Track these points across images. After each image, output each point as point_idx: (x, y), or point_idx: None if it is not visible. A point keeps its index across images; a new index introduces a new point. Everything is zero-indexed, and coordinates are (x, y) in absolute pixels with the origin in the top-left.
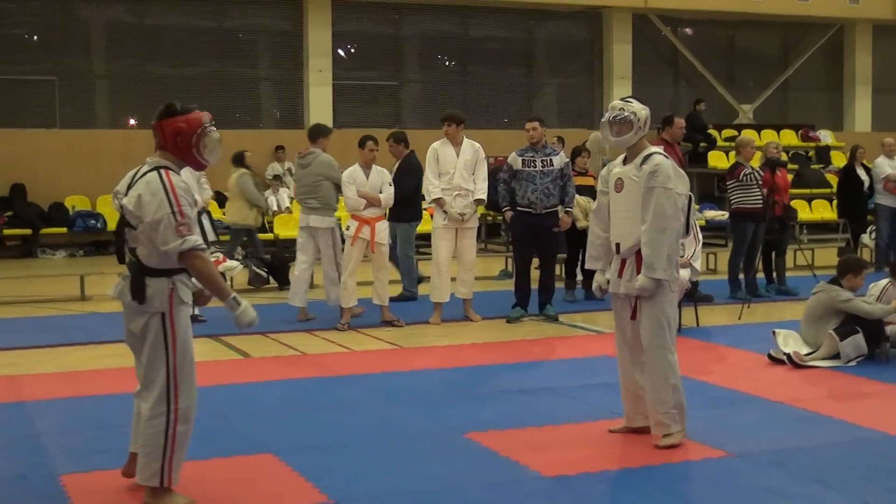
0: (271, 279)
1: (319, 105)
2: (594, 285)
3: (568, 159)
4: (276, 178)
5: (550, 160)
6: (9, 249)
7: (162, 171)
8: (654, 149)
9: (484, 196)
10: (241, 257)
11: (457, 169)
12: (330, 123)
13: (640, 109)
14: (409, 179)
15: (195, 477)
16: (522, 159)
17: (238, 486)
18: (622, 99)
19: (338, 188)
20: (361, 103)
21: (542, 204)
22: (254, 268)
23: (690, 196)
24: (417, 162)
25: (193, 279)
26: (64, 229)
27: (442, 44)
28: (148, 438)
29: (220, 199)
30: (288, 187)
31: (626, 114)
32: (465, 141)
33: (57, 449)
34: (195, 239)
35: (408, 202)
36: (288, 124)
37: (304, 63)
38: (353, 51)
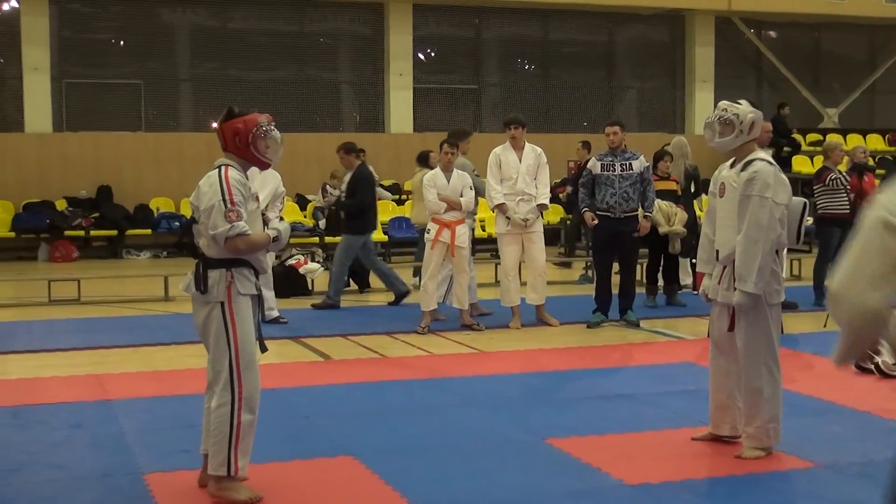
0: (351, 282)
1: (400, 109)
2: (700, 290)
3: (648, 164)
4: None
5: (630, 164)
6: (95, 250)
7: (222, 168)
8: (760, 154)
9: (547, 201)
10: (321, 260)
11: (519, 174)
12: (410, 127)
13: (747, 112)
14: (362, 191)
15: (277, 478)
16: (602, 164)
17: (318, 487)
18: (735, 102)
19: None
20: (442, 107)
21: (622, 208)
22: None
23: (805, 203)
24: (370, 172)
25: (259, 273)
26: (148, 231)
27: (522, 47)
28: (216, 427)
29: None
30: None
31: (728, 115)
32: (528, 145)
33: (141, 447)
34: (243, 225)
35: (361, 214)
36: (368, 128)
37: (385, 67)
38: (433, 54)
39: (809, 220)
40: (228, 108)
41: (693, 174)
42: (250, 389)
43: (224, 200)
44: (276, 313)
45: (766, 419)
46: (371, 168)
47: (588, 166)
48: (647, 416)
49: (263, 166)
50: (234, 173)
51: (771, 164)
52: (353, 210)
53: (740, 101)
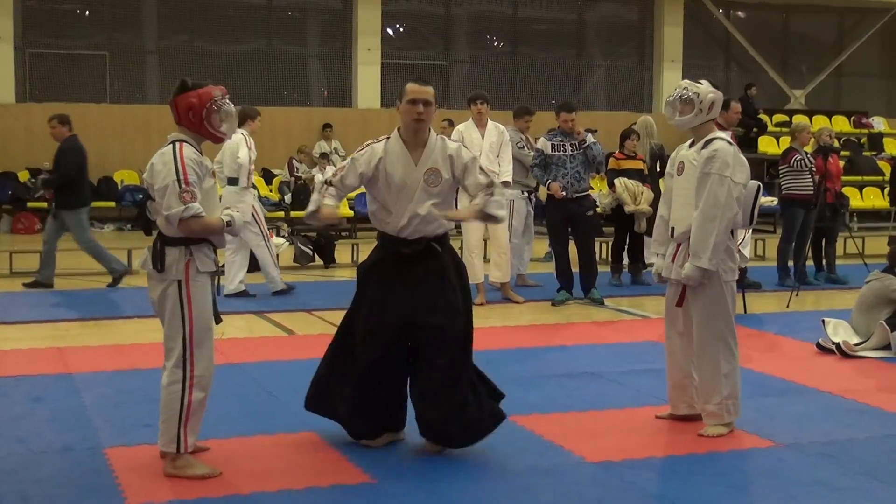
0: (317, 257)
1: (368, 84)
2: (654, 270)
3: (594, 140)
4: (324, 156)
5: (580, 143)
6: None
7: (176, 144)
8: (719, 134)
9: (509, 178)
10: (287, 234)
11: (483, 151)
12: (378, 102)
13: (707, 92)
14: (71, 163)
15: (240, 452)
16: (552, 144)
17: (281, 462)
18: (697, 82)
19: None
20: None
21: (574, 188)
22: (300, 245)
23: (760, 186)
24: (80, 145)
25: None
26: (113, 203)
27: (491, 24)
28: (166, 405)
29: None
30: (335, 166)
31: (689, 93)
32: (490, 123)
33: (101, 421)
34: (197, 207)
35: (72, 187)
36: (336, 102)
37: (353, 41)
38: (402, 30)
39: (774, 201)
40: (181, 81)
41: (659, 153)
42: (202, 368)
43: (178, 181)
44: (244, 288)
45: (725, 395)
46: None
47: (539, 146)
48: (610, 394)
49: (217, 140)
50: (189, 151)
51: (730, 143)
52: (60, 184)
53: (702, 81)
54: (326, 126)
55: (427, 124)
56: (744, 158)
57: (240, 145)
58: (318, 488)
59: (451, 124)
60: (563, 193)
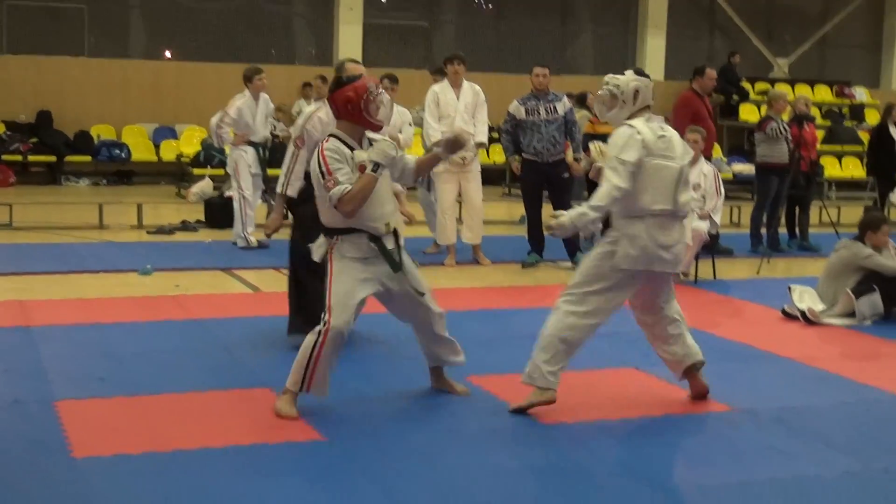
0: (290, 215)
1: (349, 44)
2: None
3: (571, 105)
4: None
5: (554, 107)
6: (33, 176)
7: (321, 142)
8: (631, 121)
9: (485, 139)
10: (262, 192)
11: (458, 112)
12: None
13: (629, 82)
14: None
15: (191, 408)
16: (525, 108)
17: (232, 418)
18: (620, 74)
19: None
20: (392, 43)
21: (549, 153)
22: (272, 203)
23: (681, 169)
24: None
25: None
26: (88, 158)
27: None
28: (302, 351)
29: None
30: None
31: (610, 87)
32: (465, 84)
33: (57, 375)
34: (339, 189)
35: None
36: (318, 62)
37: (335, 1)
38: None
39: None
40: (337, 77)
41: None
42: (335, 331)
43: (322, 174)
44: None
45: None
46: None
47: (510, 111)
48: None
49: (375, 129)
50: (329, 144)
51: (631, 126)
52: None
53: (626, 72)
54: (306, 85)
55: None
56: (642, 138)
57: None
58: (267, 445)
59: (394, 81)
60: (518, 173)
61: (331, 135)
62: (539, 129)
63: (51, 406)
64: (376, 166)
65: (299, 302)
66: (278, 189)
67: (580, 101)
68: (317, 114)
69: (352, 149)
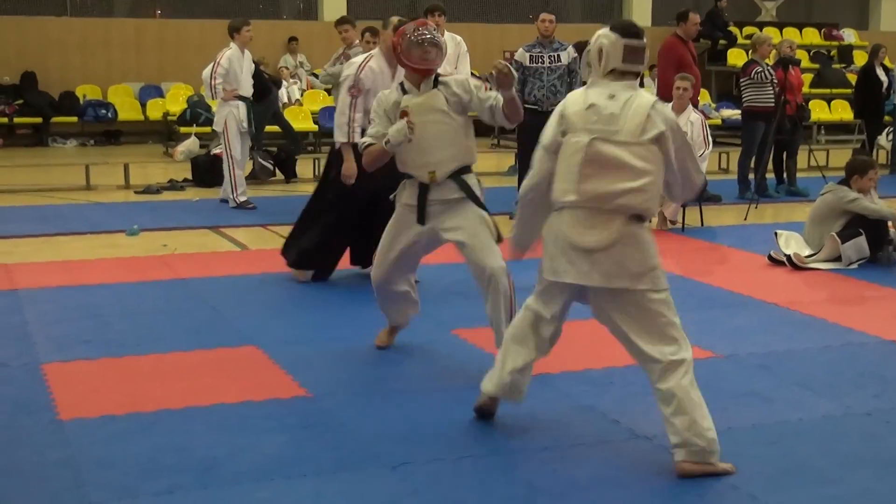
0: (277, 171)
1: None
2: None
3: (576, 55)
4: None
5: (558, 55)
6: (20, 138)
7: None
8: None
9: None
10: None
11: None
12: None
13: (595, 40)
14: None
15: (177, 367)
16: (530, 55)
17: (220, 377)
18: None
19: None
20: None
21: (549, 101)
22: (259, 160)
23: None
24: None
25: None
26: (75, 118)
27: None
28: None
29: None
30: (300, 80)
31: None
32: (447, 34)
33: (42, 338)
34: (362, 142)
35: None
36: (303, 15)
37: None
38: None
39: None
40: (399, 19)
41: None
42: (373, 279)
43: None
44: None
45: None
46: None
47: (516, 58)
48: None
49: (421, 73)
50: (379, 95)
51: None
52: None
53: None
54: (292, 39)
55: None
56: (563, 111)
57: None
58: (253, 402)
59: (374, 34)
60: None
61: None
62: (541, 77)
63: (37, 368)
64: (387, 141)
65: (294, 230)
66: (342, 139)
67: (578, 50)
68: (369, 63)
69: (406, 93)
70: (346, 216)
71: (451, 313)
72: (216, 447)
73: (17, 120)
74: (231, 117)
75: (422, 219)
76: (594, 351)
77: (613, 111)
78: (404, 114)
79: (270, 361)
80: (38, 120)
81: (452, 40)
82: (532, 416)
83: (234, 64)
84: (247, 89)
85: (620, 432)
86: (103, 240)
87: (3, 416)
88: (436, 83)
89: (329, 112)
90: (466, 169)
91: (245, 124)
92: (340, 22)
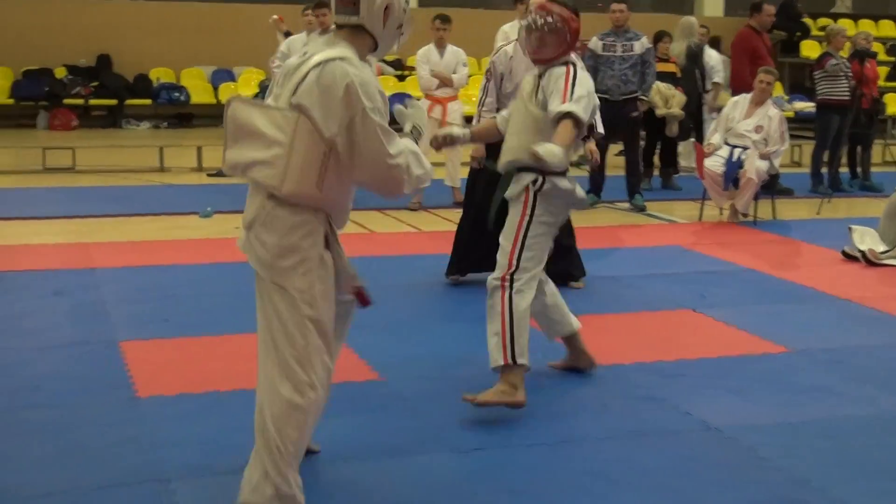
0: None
1: None
2: None
3: (650, 46)
4: None
5: (631, 45)
6: (95, 119)
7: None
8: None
9: None
10: None
11: None
12: (415, 1)
13: None
14: None
15: (252, 349)
16: (603, 43)
17: None
18: None
19: None
20: None
21: (619, 91)
22: None
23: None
24: None
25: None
26: (148, 101)
27: None
28: None
29: None
30: (370, 65)
31: None
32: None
33: (120, 316)
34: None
35: None
36: None
37: None
38: None
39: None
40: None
41: (697, 52)
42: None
43: None
44: None
45: None
46: None
47: (590, 46)
48: (626, 297)
49: (536, 62)
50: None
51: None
52: None
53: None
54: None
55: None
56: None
57: None
58: None
59: (445, 21)
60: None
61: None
62: (612, 66)
63: (115, 346)
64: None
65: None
66: (473, 121)
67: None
68: (505, 48)
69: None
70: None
71: None
72: None
73: (92, 101)
74: None
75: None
76: (666, 343)
77: (299, 68)
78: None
79: (346, 345)
80: (113, 102)
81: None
82: (602, 406)
83: (294, 47)
84: None
85: (691, 424)
86: (177, 221)
87: (83, 391)
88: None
89: (397, 99)
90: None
91: None
92: (319, 6)
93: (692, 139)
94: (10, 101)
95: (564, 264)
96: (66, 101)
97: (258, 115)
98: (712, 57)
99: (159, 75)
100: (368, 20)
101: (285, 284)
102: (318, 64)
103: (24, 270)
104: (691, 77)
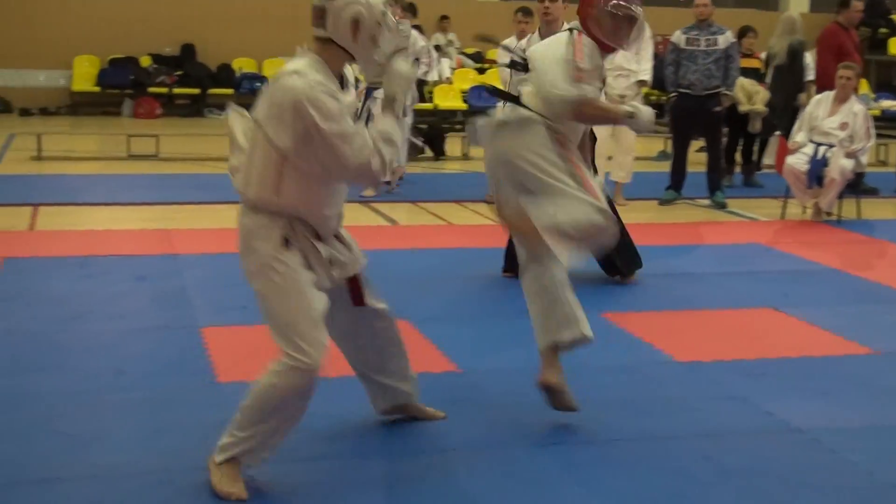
0: (427, 149)
1: None
2: None
3: (735, 40)
4: (437, 48)
5: (715, 39)
6: (178, 108)
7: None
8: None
9: (647, 77)
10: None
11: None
12: None
13: None
14: None
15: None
16: (687, 37)
17: None
18: None
19: None
20: None
21: (703, 85)
22: (410, 137)
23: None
24: None
25: None
26: (231, 90)
27: None
28: None
29: None
30: (451, 58)
31: None
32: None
33: (201, 302)
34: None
35: None
36: None
37: None
38: None
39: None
40: None
41: (799, 49)
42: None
43: None
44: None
45: None
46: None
47: (672, 40)
48: (706, 295)
49: (607, 50)
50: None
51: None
52: None
53: None
54: (444, 18)
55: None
56: None
57: None
58: None
59: (527, 14)
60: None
61: None
62: (696, 60)
63: (196, 331)
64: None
65: None
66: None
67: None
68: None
69: None
70: None
71: (599, 296)
72: (368, 417)
73: (176, 90)
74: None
75: None
76: (746, 341)
77: None
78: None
79: (420, 335)
80: (197, 91)
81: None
82: (683, 404)
83: None
84: None
85: (774, 424)
86: None
87: (165, 375)
88: None
89: (477, 91)
90: None
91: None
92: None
93: (777, 133)
94: (97, 88)
95: (615, 258)
96: (151, 89)
97: (238, 125)
98: (805, 55)
99: (241, 65)
100: (335, 34)
101: (252, 285)
102: (274, 78)
103: (108, 255)
104: (790, 74)
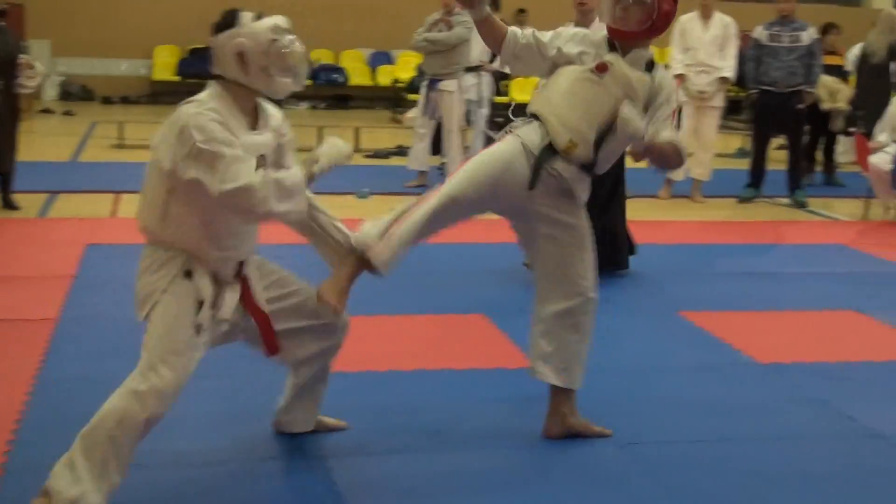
0: None
1: None
2: None
3: (818, 36)
4: None
5: (798, 35)
6: None
7: None
8: None
9: (730, 74)
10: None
11: (703, 44)
12: None
13: None
14: None
15: (406, 329)
16: (769, 33)
17: (448, 342)
18: None
19: None
20: None
21: (786, 82)
22: (486, 130)
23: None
24: None
25: None
26: (308, 81)
27: None
28: None
29: None
30: None
31: None
32: (717, 15)
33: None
34: None
35: None
36: None
37: None
38: None
39: None
40: None
41: None
42: None
43: None
44: None
45: None
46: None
47: (754, 36)
48: (787, 295)
49: (616, 36)
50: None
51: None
52: None
53: None
54: (521, 11)
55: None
56: None
57: None
58: (479, 370)
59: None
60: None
61: None
62: (779, 57)
63: None
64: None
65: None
66: None
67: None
68: None
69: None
70: None
71: (677, 294)
72: (443, 411)
73: None
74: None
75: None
76: (827, 343)
77: None
78: (603, 66)
79: (497, 330)
80: None
81: (721, 21)
82: (762, 406)
83: None
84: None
85: (855, 429)
86: (333, 201)
87: (243, 362)
88: (650, 67)
89: None
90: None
91: (471, 94)
92: None
93: (853, 130)
94: (177, 78)
95: (609, 249)
96: None
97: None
98: None
99: (319, 56)
100: (224, 71)
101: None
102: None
103: None
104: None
